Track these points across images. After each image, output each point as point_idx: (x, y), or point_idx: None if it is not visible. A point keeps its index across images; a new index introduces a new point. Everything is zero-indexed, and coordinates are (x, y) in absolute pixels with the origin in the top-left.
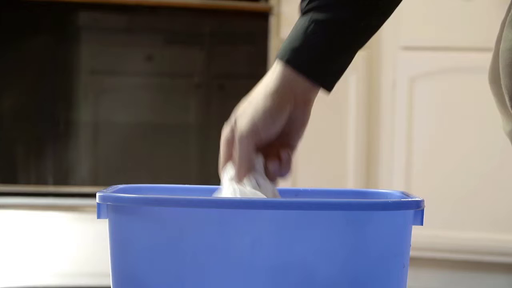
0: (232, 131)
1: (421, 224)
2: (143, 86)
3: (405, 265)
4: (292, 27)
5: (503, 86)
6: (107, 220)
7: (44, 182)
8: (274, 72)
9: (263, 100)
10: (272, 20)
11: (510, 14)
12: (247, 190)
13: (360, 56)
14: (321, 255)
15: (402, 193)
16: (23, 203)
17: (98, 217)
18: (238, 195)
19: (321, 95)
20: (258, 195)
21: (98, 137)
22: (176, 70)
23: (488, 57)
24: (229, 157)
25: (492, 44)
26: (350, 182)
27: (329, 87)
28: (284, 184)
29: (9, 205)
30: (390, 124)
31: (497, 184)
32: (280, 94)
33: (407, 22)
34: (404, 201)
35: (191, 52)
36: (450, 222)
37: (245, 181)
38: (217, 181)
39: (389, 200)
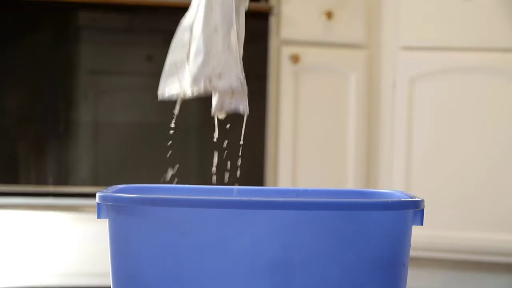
0: None
1: (421, 224)
2: (143, 86)
3: (405, 265)
4: (292, 27)
5: None
6: (107, 220)
7: (44, 182)
8: None
9: None
10: (272, 20)
11: None
12: None
13: (360, 56)
14: (321, 255)
15: (402, 193)
16: (23, 203)
17: (98, 217)
18: None
19: (319, 96)
20: None
21: (98, 137)
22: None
23: (488, 57)
24: None
25: (492, 44)
26: (350, 182)
27: None
28: (284, 184)
29: (9, 205)
30: (390, 124)
31: (497, 184)
32: None
33: (407, 22)
34: (404, 201)
35: None
36: (450, 222)
37: None
38: (217, 181)
39: (389, 200)
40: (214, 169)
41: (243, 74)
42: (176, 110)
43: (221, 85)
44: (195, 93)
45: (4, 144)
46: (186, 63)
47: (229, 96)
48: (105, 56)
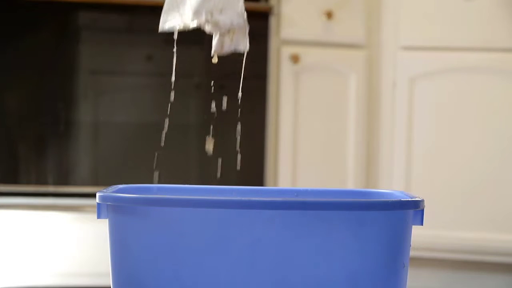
0: None
1: (421, 224)
2: (143, 86)
3: (405, 265)
4: (292, 27)
5: None
6: (107, 220)
7: (44, 182)
8: None
9: None
10: (272, 20)
11: None
12: None
13: (360, 56)
14: (321, 255)
15: (402, 193)
16: (23, 203)
17: (98, 217)
18: None
19: (319, 96)
20: None
21: (98, 137)
22: (176, 70)
23: (488, 57)
24: None
25: (492, 44)
26: (350, 182)
27: None
28: (284, 184)
29: (9, 205)
30: (390, 124)
31: (497, 183)
32: None
33: (407, 22)
34: (404, 201)
35: (191, 52)
36: (450, 222)
37: None
38: (217, 181)
39: (389, 200)
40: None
41: (245, 11)
42: (175, 37)
43: (222, 20)
44: (196, 26)
45: (4, 144)
46: None
47: (229, 36)
48: (105, 56)
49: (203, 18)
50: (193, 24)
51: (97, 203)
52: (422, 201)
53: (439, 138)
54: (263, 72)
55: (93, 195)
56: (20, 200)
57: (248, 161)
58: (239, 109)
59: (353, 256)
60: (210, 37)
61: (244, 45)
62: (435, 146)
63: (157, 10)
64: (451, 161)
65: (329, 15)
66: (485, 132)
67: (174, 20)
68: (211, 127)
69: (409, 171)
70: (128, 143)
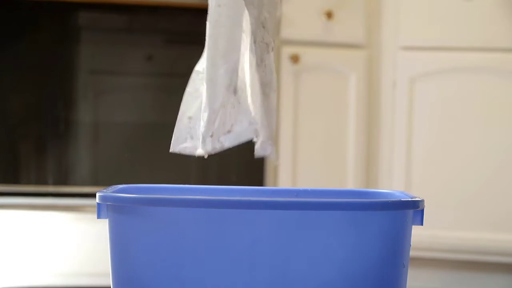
0: None
1: (421, 224)
2: (143, 86)
3: (405, 265)
4: (292, 27)
5: None
6: (107, 220)
7: (44, 182)
8: None
9: None
10: None
11: None
12: None
13: (360, 56)
14: (321, 255)
15: (402, 193)
16: (23, 203)
17: (98, 217)
18: None
19: (319, 96)
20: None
21: (98, 137)
22: (176, 70)
23: (488, 57)
24: None
25: (492, 44)
26: (350, 182)
27: None
28: (284, 184)
29: (9, 205)
30: (390, 124)
31: (497, 183)
32: None
33: (407, 22)
34: (404, 201)
35: (191, 52)
36: (450, 222)
37: None
38: (217, 181)
39: (389, 200)
40: None
41: (264, 113)
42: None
43: (228, 143)
44: (206, 154)
45: (4, 144)
46: (200, 119)
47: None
48: (105, 56)
49: (209, 147)
50: (204, 152)
51: (97, 203)
52: (422, 201)
53: (439, 138)
54: None
55: (93, 195)
56: (20, 200)
57: (248, 161)
58: None
59: (353, 256)
60: None
61: (270, 149)
62: (435, 146)
63: (157, 10)
64: (451, 161)
65: (329, 15)
66: (485, 132)
67: (185, 144)
68: None
69: (409, 171)
70: (128, 143)
